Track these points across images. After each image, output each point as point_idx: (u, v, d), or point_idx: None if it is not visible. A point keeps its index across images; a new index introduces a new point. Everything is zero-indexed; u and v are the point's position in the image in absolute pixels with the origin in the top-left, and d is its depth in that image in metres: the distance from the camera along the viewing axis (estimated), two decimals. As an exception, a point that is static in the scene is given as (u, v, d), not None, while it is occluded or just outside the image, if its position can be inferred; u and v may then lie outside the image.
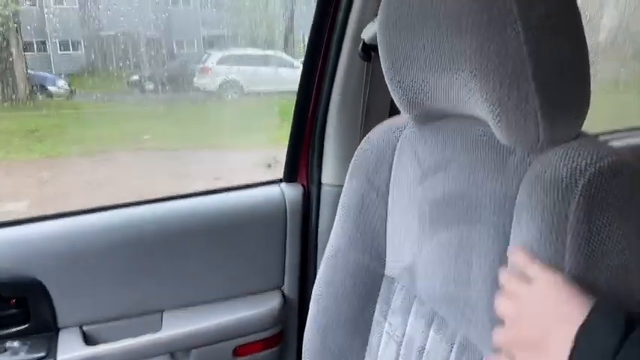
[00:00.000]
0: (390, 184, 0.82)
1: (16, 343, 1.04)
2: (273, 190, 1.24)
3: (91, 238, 1.09)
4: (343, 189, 0.89)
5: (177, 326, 1.13)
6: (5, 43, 2.98)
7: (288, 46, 3.16)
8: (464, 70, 0.61)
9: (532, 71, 0.55)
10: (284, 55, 3.23)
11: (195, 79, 3.56)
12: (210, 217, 1.18)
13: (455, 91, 0.65)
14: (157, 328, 1.12)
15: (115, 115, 3.36)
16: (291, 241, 1.22)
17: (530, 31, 0.54)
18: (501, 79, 0.56)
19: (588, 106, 0.59)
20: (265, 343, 1.20)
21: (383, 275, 0.84)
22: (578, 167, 0.53)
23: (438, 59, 0.64)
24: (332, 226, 0.91)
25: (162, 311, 1.14)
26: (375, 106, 1.16)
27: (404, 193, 0.79)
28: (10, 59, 3.08)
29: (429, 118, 0.75)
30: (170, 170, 2.87)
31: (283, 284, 1.24)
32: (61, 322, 1.07)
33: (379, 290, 0.84)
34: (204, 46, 3.60)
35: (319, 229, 1.22)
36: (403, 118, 0.82)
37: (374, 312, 0.84)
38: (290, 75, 2.92)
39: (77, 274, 1.07)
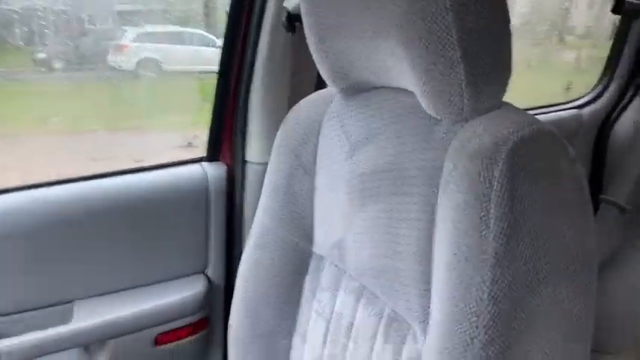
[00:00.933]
0: (317, 159, 0.80)
1: None
2: (195, 170, 1.17)
3: (7, 219, 0.98)
4: (269, 165, 0.85)
5: (90, 317, 1.04)
6: None
7: (209, 24, 3.05)
8: (390, 38, 0.59)
9: (457, 38, 0.54)
10: (205, 33, 3.13)
11: (109, 57, 3.37)
12: (127, 198, 1.09)
13: (381, 60, 0.63)
14: (68, 319, 1.03)
15: (21, 95, 3.12)
16: (215, 222, 1.17)
17: None
18: (427, 46, 0.56)
19: (510, 76, 0.59)
20: (189, 330, 1.14)
21: (312, 253, 0.82)
22: (502, 136, 0.53)
23: (364, 27, 0.62)
24: (257, 203, 0.88)
25: (72, 301, 1.05)
26: (302, 80, 1.12)
27: (332, 167, 0.77)
28: None
29: (356, 90, 0.74)
30: (85, 154, 2.70)
31: (207, 267, 1.18)
32: None
33: (308, 269, 0.82)
34: (120, 22, 3.40)
35: (244, 209, 1.17)
36: (330, 91, 0.79)
37: (303, 291, 0.82)
38: (211, 54, 2.84)
39: None
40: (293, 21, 1.03)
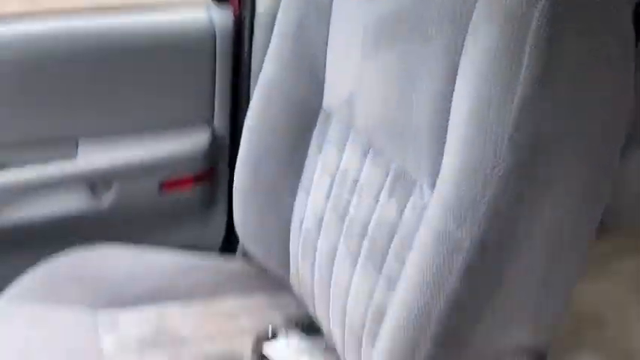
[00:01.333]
0: (333, 3, 0.73)
1: None
2: (200, 14, 1.09)
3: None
4: (280, 8, 0.79)
5: (95, 156, 1.03)
6: None
7: None
8: None
9: None
10: None
11: None
12: (131, 37, 1.03)
13: None
14: (72, 157, 1.02)
15: None
16: (221, 71, 1.11)
17: None
18: None
19: None
20: (194, 179, 1.14)
21: (320, 108, 0.78)
22: None
23: None
24: (265, 55, 0.83)
25: (77, 139, 1.04)
26: None
27: (348, 10, 0.70)
28: None
29: None
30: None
31: (213, 118, 1.15)
32: None
33: (315, 124, 0.79)
34: None
35: (252, 59, 1.10)
36: None
37: (308, 146, 0.80)
38: None
39: None
40: None
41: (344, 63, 0.72)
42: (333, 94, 0.76)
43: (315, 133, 0.79)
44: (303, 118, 0.79)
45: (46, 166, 0.99)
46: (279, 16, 0.79)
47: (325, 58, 0.76)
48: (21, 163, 0.99)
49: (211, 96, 1.12)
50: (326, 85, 0.77)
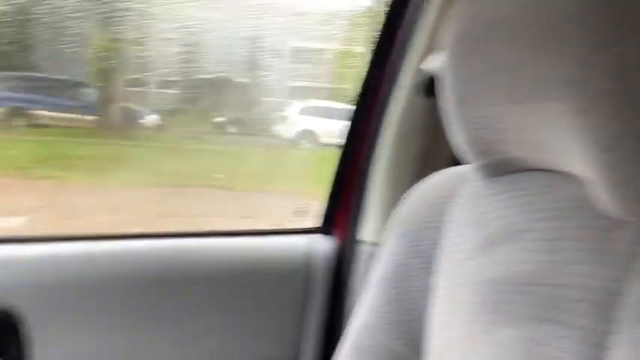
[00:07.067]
0: (438, 251, 0.60)
1: None
2: (302, 242, 0.99)
3: (81, 268, 0.89)
4: (381, 250, 0.67)
5: None
6: (109, 76, 3.10)
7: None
8: (559, 100, 0.41)
9: None
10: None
11: (275, 126, 3.55)
12: (227, 264, 0.95)
13: (539, 132, 0.45)
14: None
15: (195, 152, 3.40)
16: (316, 306, 0.96)
17: None
18: (614, 112, 0.38)
19: None
20: None
21: None
22: None
23: (523, 85, 0.44)
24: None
25: None
26: (434, 154, 0.91)
27: (456, 265, 0.56)
28: (111, 91, 3.19)
29: (501, 169, 0.54)
30: (235, 210, 2.82)
31: (299, 358, 0.97)
32: None
33: None
34: (290, 96, 3.59)
35: (350, 295, 0.95)
36: (465, 169, 0.61)
37: None
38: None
39: (60, 311, 0.87)
40: (432, 85, 0.84)
41: (450, 322, 0.56)
42: (435, 355, 0.59)
43: None
44: None
45: None
46: (380, 255, 0.67)
47: (426, 310, 0.60)
48: None
49: (301, 333, 0.96)
50: (426, 342, 0.60)
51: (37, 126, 3.21)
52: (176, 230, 0.99)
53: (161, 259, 0.93)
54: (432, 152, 0.91)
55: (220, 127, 3.37)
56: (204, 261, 0.94)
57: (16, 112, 3.15)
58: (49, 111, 3.16)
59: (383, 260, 0.66)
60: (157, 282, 0.91)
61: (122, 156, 3.22)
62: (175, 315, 0.92)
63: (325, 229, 1.01)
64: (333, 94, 3.33)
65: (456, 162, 0.86)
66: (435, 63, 0.84)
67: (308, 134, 3.17)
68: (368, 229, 0.95)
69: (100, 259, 0.90)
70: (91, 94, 3.32)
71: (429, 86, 0.85)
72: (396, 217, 0.65)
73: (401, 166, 0.93)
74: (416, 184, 0.67)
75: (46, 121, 3.18)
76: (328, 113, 3.25)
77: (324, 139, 3.13)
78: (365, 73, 0.95)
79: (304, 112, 3.27)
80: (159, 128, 3.38)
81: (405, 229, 0.63)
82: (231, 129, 3.47)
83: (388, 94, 0.91)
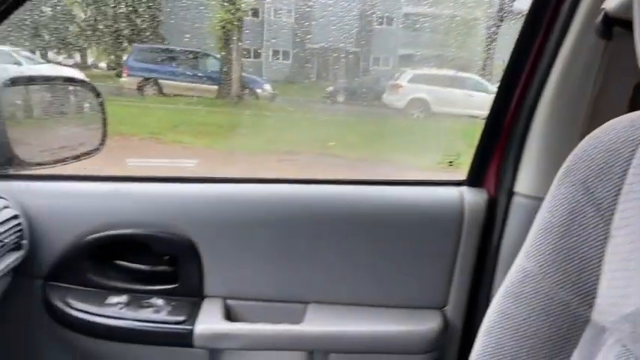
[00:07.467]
0: (620, 199, 0.56)
1: (160, 301, 0.95)
2: (451, 193, 0.99)
3: (251, 207, 0.96)
4: (546, 198, 0.64)
5: (320, 323, 0.94)
6: (228, 47, 3.25)
7: (485, 69, 2.89)
8: None
9: None
10: (480, 80, 2.97)
11: (384, 95, 3.50)
12: (378, 210, 0.97)
13: None
14: (299, 319, 0.95)
15: (307, 121, 3.45)
16: (465, 255, 0.96)
17: None
18: None
19: None
20: None
21: (588, 320, 0.57)
22: None
23: None
24: (519, 243, 0.67)
25: (307, 303, 0.97)
26: (607, 102, 0.85)
27: (638, 212, 0.52)
28: (230, 62, 3.34)
29: None
30: (345, 176, 2.88)
31: (447, 304, 0.98)
32: (207, 289, 0.96)
33: (579, 339, 0.57)
34: (399, 64, 3.51)
35: (502, 246, 0.93)
36: None
37: None
38: (484, 100, 2.66)
39: (230, 243, 0.95)
40: (611, 25, 0.78)
41: (631, 272, 0.52)
42: (610, 306, 0.55)
43: (577, 351, 0.57)
44: (563, 330, 0.59)
45: (275, 325, 0.94)
46: (544, 203, 0.64)
47: (600, 260, 0.57)
48: (251, 318, 0.96)
49: (449, 280, 0.96)
50: (600, 293, 0.57)
51: (166, 95, 3.47)
52: (337, 178, 1.03)
53: (325, 203, 0.97)
54: (604, 100, 0.86)
55: (331, 96, 3.41)
56: (361, 206, 0.97)
57: (149, 82, 3.43)
58: (179, 81, 3.40)
59: (549, 209, 0.63)
60: (318, 223, 0.96)
61: (241, 124, 3.38)
62: (332, 256, 0.96)
63: (475, 181, 1.00)
64: (447, 62, 3.22)
65: (633, 108, 0.80)
66: (616, 2, 0.78)
67: (420, 103, 3.09)
68: (525, 181, 0.93)
69: (266, 200, 0.97)
70: (215, 64, 3.52)
71: (606, 26, 0.79)
72: (568, 163, 0.62)
73: (567, 114, 0.88)
74: (584, 135, 0.63)
75: (175, 91, 3.43)
76: (440, 81, 3.14)
77: (436, 108, 3.03)
78: (528, 11, 0.90)
79: (415, 79, 3.18)
80: (273, 97, 3.50)
81: (579, 177, 0.60)
82: (341, 98, 3.49)
83: (556, 34, 0.86)
